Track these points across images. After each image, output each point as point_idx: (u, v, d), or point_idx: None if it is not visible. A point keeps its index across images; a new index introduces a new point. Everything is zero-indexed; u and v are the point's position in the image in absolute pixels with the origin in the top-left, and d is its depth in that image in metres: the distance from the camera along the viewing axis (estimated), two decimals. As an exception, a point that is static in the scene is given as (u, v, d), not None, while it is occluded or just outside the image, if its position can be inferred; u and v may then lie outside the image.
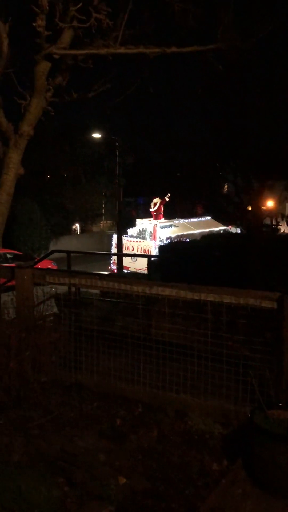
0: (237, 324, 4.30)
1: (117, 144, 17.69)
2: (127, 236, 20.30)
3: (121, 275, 15.50)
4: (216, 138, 7.31)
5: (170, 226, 19.61)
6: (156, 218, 19.94)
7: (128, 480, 3.32)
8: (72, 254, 7.56)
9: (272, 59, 6.33)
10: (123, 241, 20.09)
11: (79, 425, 4.14)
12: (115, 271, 19.38)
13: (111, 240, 21.99)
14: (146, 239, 19.37)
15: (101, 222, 39.48)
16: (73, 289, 6.21)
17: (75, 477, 3.39)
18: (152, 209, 20.00)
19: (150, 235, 19.47)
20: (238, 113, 6.25)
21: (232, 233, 17.06)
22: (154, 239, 18.99)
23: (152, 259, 11.03)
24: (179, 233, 19.02)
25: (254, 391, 3.55)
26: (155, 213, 20.11)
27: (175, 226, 19.63)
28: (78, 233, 37.58)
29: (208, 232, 18.68)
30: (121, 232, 22.01)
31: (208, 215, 19.17)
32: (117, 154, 17.65)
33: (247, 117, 6.29)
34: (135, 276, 14.15)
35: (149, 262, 8.74)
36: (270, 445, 3.07)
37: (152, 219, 20.06)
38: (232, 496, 3.08)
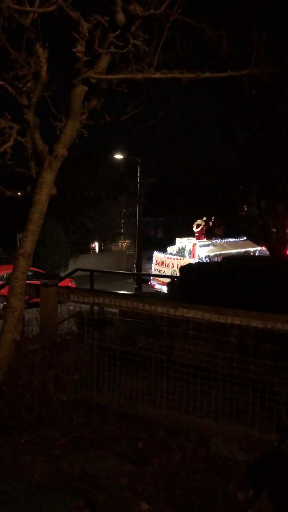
0: (264, 349, 4.22)
1: (139, 164, 17.89)
2: (166, 254, 21.71)
3: (143, 295, 15.49)
4: (241, 160, 7.33)
5: (209, 245, 20.89)
6: (198, 238, 21.00)
7: (150, 506, 3.25)
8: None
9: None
10: (163, 258, 21.40)
11: (100, 446, 4.09)
12: (155, 286, 20.55)
13: (129, 259, 22.63)
14: (185, 257, 20.52)
15: (119, 241, 39.71)
16: (95, 308, 6.20)
17: (96, 500, 3.34)
18: (195, 229, 21.00)
19: (189, 253, 20.78)
20: (266, 137, 6.27)
21: (255, 255, 17.17)
22: (193, 256, 20.23)
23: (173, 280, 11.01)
24: (217, 252, 20.17)
25: (281, 418, 3.47)
26: (197, 234, 21.16)
27: (214, 245, 20.83)
28: (97, 251, 37.83)
29: (244, 252, 19.90)
30: (141, 251, 22.33)
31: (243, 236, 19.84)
32: (138, 175, 17.83)
33: (274, 141, 6.30)
34: (157, 296, 14.11)
35: (171, 283, 8.70)
36: (299, 475, 2.98)
37: (192, 238, 21.31)
38: (259, 528, 2.98)
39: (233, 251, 20.16)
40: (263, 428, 3.92)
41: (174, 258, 20.86)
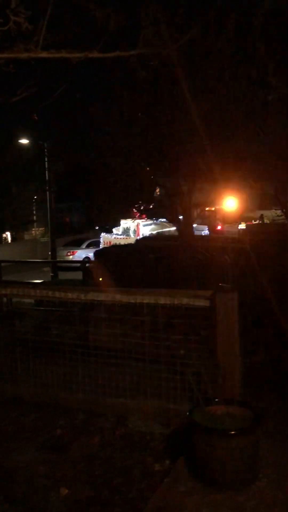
0: (174, 324, 4.37)
1: (45, 149, 17.39)
2: (113, 234, 23.72)
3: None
4: (145, 142, 7.41)
5: (151, 224, 23.19)
6: (140, 218, 22.36)
7: (70, 490, 3.26)
8: (2, 264, 7.31)
9: (193, 65, 6.54)
10: (111, 239, 23.07)
11: (18, 438, 4.03)
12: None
13: (44, 247, 23.14)
14: (131, 236, 22.46)
15: (33, 229, 38.60)
16: (4, 299, 6.00)
17: (15, 493, 3.29)
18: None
19: (134, 232, 23.12)
20: (164, 118, 6.38)
21: (166, 235, 18.15)
22: (138, 235, 22.18)
23: (87, 265, 10.95)
24: (159, 230, 22.52)
25: (193, 389, 3.63)
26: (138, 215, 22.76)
27: (155, 224, 22.82)
28: (9, 241, 36.47)
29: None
30: (55, 238, 22.23)
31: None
32: (46, 160, 17.34)
33: (174, 121, 6.43)
34: (71, 282, 13.94)
35: (83, 269, 8.66)
36: (209, 440, 3.14)
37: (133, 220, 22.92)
38: (175, 494, 3.12)
39: (172, 228, 21.52)
40: (177, 400, 4.07)
41: (121, 238, 22.53)
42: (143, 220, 22.60)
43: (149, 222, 23.05)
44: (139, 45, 2.98)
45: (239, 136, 6.90)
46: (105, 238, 23.74)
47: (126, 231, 23.98)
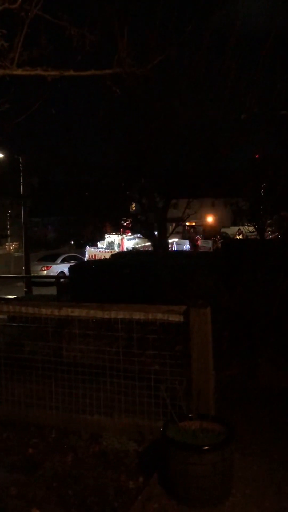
0: (148, 340, 4.37)
1: (20, 163, 17.32)
2: (98, 248, 25.13)
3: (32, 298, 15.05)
4: (121, 159, 7.47)
5: (134, 238, 24.68)
6: (124, 233, 23.68)
7: (41, 511, 3.19)
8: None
9: (171, 84, 6.66)
10: (96, 252, 24.28)
11: (-12, 459, 3.92)
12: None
13: (18, 262, 23.78)
14: (115, 250, 23.65)
15: (7, 244, 38.09)
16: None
17: (-15, 516, 3.20)
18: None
19: (118, 246, 24.66)
20: (141, 136, 6.46)
21: (141, 250, 18.53)
22: (122, 249, 23.88)
23: (61, 280, 10.88)
24: (142, 244, 23.60)
25: (166, 405, 3.62)
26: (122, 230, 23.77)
27: (139, 238, 23.87)
28: (-18, 256, 35.85)
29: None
30: (29, 253, 22.05)
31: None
32: (21, 174, 17.26)
33: (149, 139, 6.51)
34: (45, 298, 13.81)
35: (58, 284, 8.61)
36: (182, 456, 3.13)
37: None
38: (149, 511, 3.09)
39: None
40: (151, 416, 4.05)
41: (105, 252, 23.37)
42: (127, 234, 23.78)
43: (132, 236, 24.19)
44: (113, 64, 3.03)
45: (213, 153, 7.03)
46: (90, 252, 24.67)
47: (110, 245, 25.25)
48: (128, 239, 24.82)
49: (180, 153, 7.15)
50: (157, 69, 3.64)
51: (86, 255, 24.98)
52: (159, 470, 3.43)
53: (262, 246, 6.78)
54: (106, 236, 25.45)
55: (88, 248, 25.30)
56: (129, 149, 6.75)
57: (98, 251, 24.70)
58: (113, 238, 25.14)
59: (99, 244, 25.89)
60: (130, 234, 24.25)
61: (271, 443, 4.02)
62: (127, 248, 23.96)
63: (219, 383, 4.09)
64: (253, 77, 6.44)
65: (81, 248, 31.12)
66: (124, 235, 24.22)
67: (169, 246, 25.98)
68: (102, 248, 25.20)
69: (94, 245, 25.90)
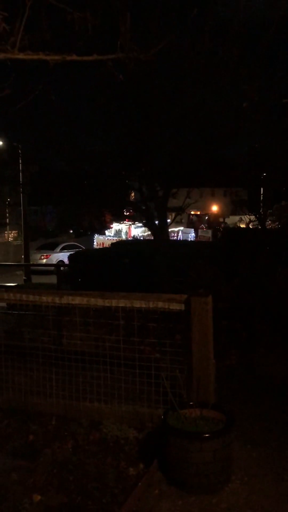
0: (148, 328, 4.37)
1: (20, 151, 17.19)
2: (106, 236, 26.03)
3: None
4: (121, 147, 7.42)
5: (141, 226, 25.18)
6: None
7: (43, 497, 3.21)
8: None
9: (173, 71, 6.60)
10: (104, 240, 24.97)
11: (-11, 445, 3.95)
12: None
13: (17, 250, 24.27)
14: (123, 237, 25.26)
15: (6, 232, 38.04)
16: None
17: (-14, 501, 3.22)
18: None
19: (125, 234, 26.11)
20: (141, 123, 6.40)
21: (141, 239, 18.67)
22: (130, 236, 25.60)
23: (62, 268, 10.84)
24: (149, 232, 24.03)
25: (166, 393, 3.64)
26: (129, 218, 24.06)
27: (145, 226, 24.66)
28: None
29: (170, 231, 24.27)
30: (28, 241, 21.90)
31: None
32: (20, 162, 17.14)
33: (150, 127, 6.46)
34: (45, 286, 13.81)
35: (58, 273, 8.58)
36: (182, 443, 3.15)
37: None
38: (149, 497, 3.12)
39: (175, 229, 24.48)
40: (151, 404, 4.07)
41: (113, 239, 23.77)
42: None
43: (140, 224, 24.56)
44: (117, 49, 2.99)
45: (214, 141, 6.99)
46: (98, 240, 25.46)
47: (118, 233, 26.36)
48: (136, 227, 25.70)
49: (180, 141, 7.10)
50: (159, 55, 3.58)
51: (94, 243, 25.60)
52: (159, 457, 3.45)
53: (261, 235, 6.77)
54: (114, 224, 26.39)
55: (96, 236, 25.99)
56: (129, 137, 6.69)
57: (106, 238, 25.44)
58: (120, 226, 26.19)
59: (107, 232, 26.66)
60: (131, 222, 24.95)
61: (270, 431, 4.05)
62: (133, 236, 24.91)
63: (218, 373, 4.10)
64: (254, 65, 6.38)
65: (80, 237, 31.19)
66: (131, 224, 25.07)
67: (175, 235, 26.89)
68: (110, 236, 25.94)
69: (102, 233, 26.58)
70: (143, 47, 3.33)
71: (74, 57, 2.89)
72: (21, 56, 2.77)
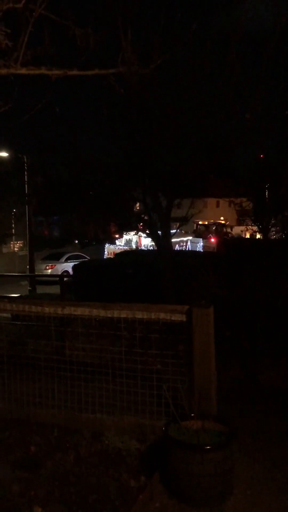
0: (150, 339, 4.37)
1: (25, 162, 17.35)
2: (116, 245, 26.60)
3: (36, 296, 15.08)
4: (125, 158, 7.47)
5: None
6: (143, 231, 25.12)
7: (44, 509, 3.20)
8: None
9: (175, 83, 6.65)
10: (115, 249, 25.24)
11: (-10, 456, 3.94)
12: None
13: (22, 260, 24.42)
14: (133, 247, 25.78)
15: (11, 242, 38.17)
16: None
17: (-13, 513, 3.21)
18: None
19: (136, 243, 26.75)
20: (144, 135, 6.45)
21: (144, 250, 18.79)
22: (140, 246, 26.27)
23: (65, 279, 10.88)
24: None
25: (168, 404, 3.63)
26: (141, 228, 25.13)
27: (148, 237, 25.68)
28: (-13, 255, 35.90)
29: (179, 240, 25.54)
30: (33, 252, 22.06)
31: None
32: (26, 173, 17.30)
33: (153, 139, 6.51)
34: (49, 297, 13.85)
35: (62, 283, 8.61)
36: (184, 455, 3.14)
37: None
38: (150, 510, 3.10)
39: (172, 240, 25.12)
40: (153, 415, 4.06)
41: (124, 249, 24.45)
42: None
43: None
44: (118, 64, 3.03)
45: (217, 152, 7.02)
46: (109, 249, 25.96)
47: (128, 242, 26.96)
48: (145, 237, 25.73)
49: (183, 153, 7.14)
50: (161, 68, 3.62)
51: (105, 252, 26.02)
52: (161, 469, 3.43)
53: (264, 246, 6.76)
54: (125, 235, 26.85)
55: (107, 245, 26.33)
56: (132, 149, 6.74)
57: (117, 248, 25.94)
58: (131, 236, 26.54)
59: (117, 242, 27.21)
60: (133, 233, 25.12)
61: (273, 443, 4.02)
62: (144, 245, 25.31)
63: (221, 383, 4.09)
64: (257, 76, 6.43)
65: (85, 248, 31.26)
66: (141, 234, 25.43)
67: (183, 244, 27.27)
68: (120, 245, 26.50)
69: (112, 242, 26.98)
70: (144, 61, 3.37)
71: (76, 72, 2.94)
72: (23, 71, 2.82)
